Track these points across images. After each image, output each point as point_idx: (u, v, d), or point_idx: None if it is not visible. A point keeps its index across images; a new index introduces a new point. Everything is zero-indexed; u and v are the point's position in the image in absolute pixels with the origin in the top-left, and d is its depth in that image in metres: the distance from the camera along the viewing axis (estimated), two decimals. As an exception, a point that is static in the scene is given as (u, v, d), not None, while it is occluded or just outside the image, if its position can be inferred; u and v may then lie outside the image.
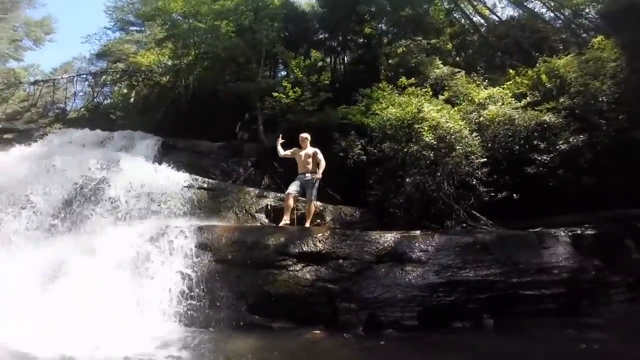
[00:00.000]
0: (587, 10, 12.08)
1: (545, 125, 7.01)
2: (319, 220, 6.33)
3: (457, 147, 6.42)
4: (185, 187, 6.51)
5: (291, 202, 5.68)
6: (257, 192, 6.98)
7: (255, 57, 11.40)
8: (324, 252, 4.36)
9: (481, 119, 7.40)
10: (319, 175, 5.75)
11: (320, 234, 4.59)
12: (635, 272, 4.33)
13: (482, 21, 14.45)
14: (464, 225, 5.86)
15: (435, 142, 6.41)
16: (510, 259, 4.33)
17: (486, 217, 6.03)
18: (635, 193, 5.58)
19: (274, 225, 5.82)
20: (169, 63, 14.35)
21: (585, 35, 11.51)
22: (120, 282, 4.08)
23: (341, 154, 7.55)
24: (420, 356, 3.41)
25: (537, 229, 4.98)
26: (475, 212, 6.09)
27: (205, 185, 6.79)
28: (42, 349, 3.04)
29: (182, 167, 7.47)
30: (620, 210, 5.55)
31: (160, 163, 7.81)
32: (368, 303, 3.98)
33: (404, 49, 11.29)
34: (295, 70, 10.07)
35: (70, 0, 39.83)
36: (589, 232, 4.76)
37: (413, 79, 8.88)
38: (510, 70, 9.27)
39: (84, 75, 16.99)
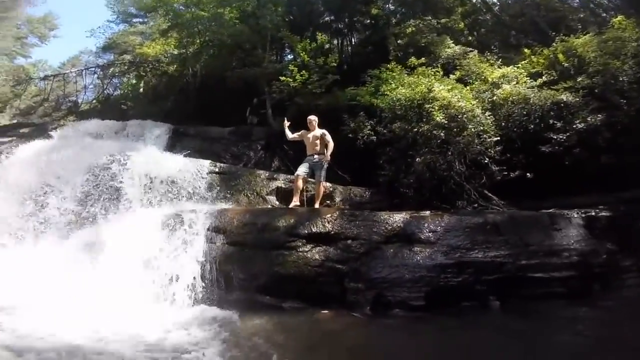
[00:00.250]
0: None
1: (562, 105, 6.83)
2: (328, 202, 6.34)
3: (469, 126, 6.30)
4: (200, 172, 6.59)
5: (300, 183, 5.70)
6: (267, 174, 7.01)
7: (260, 43, 11.27)
8: (332, 232, 4.35)
9: (494, 98, 7.25)
10: (328, 157, 5.74)
11: (329, 215, 4.58)
12: (649, 256, 4.21)
13: (495, 0, 13.92)
14: (475, 205, 5.78)
15: (446, 122, 6.29)
16: (521, 240, 4.25)
17: (498, 197, 5.93)
18: (655, 173, 5.40)
19: (284, 207, 5.84)
20: (175, 52, 14.31)
21: (605, 14, 11.08)
22: (137, 266, 4.18)
23: (350, 135, 7.48)
24: (425, 334, 3.42)
25: (550, 210, 4.86)
26: (487, 192, 6.00)
27: (217, 170, 6.86)
28: (71, 332, 3.13)
29: (193, 153, 7.55)
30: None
31: (171, 150, 7.95)
32: (376, 283, 3.97)
33: (413, 28, 11.01)
34: (302, 54, 9.93)
35: (71, -5, 39.71)
36: (604, 214, 4.64)
37: (423, 59, 8.68)
38: (526, 50, 8.99)
39: (92, 68, 17.20)
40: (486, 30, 13.38)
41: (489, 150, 6.21)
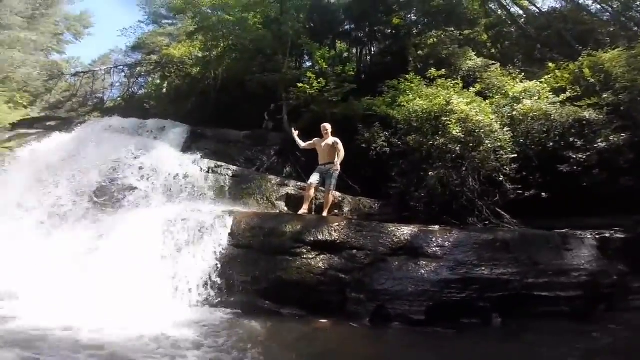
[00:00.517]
0: (639, 2, 11.13)
1: (584, 122, 6.63)
2: (336, 211, 6.32)
3: (486, 142, 6.15)
4: (210, 173, 6.72)
5: (312, 192, 5.74)
6: (278, 180, 7.05)
7: (281, 49, 11.41)
8: (338, 241, 4.34)
9: (514, 113, 7.06)
10: (337, 167, 5.73)
11: (336, 224, 4.58)
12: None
13: (521, 12, 13.68)
14: (487, 222, 5.64)
15: (462, 136, 6.18)
16: (529, 258, 4.16)
17: (511, 215, 5.77)
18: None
19: (292, 213, 5.86)
20: (199, 55, 14.70)
21: (636, 28, 10.67)
22: (144, 264, 4.24)
23: (364, 145, 7.44)
24: (423, 348, 3.38)
25: (563, 230, 4.72)
26: (499, 210, 5.85)
27: (230, 172, 6.95)
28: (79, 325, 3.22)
29: (209, 154, 7.67)
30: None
31: (188, 150, 8.13)
32: (378, 295, 3.94)
33: (435, 39, 10.93)
34: (320, 62, 10.00)
35: (106, -5, 41.45)
36: (618, 235, 4.51)
37: (443, 70, 8.57)
38: (550, 64, 8.76)
39: (121, 67, 17.87)
40: (510, 43, 13.13)
41: (505, 167, 6.05)
